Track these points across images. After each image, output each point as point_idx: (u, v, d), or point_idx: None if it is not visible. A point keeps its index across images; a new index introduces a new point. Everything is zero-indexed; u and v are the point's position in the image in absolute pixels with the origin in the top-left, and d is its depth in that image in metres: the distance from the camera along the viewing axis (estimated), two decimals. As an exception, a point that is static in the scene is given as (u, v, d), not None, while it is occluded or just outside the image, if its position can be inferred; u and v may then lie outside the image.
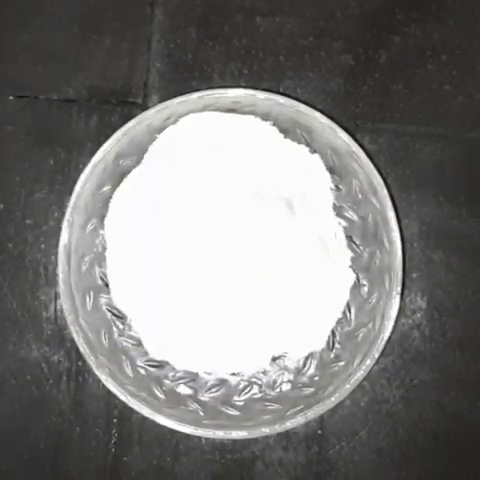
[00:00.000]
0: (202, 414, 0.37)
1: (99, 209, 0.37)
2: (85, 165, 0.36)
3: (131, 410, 0.36)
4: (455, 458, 0.40)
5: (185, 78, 0.41)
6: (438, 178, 0.41)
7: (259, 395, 0.38)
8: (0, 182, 0.41)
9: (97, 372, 0.35)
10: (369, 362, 0.35)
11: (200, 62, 0.41)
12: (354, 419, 0.40)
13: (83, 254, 0.37)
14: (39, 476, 0.39)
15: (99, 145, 0.36)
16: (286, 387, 0.38)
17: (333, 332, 0.38)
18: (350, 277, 0.38)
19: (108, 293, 0.38)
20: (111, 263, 0.38)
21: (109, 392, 0.35)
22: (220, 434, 0.35)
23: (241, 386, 0.38)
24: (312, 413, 0.35)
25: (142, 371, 0.37)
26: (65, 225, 0.35)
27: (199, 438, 0.39)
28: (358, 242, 0.39)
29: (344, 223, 0.39)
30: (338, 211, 0.39)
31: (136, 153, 0.37)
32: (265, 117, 0.37)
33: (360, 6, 0.41)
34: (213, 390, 0.38)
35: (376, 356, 0.35)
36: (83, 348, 0.35)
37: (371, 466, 0.40)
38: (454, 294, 0.40)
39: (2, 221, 0.41)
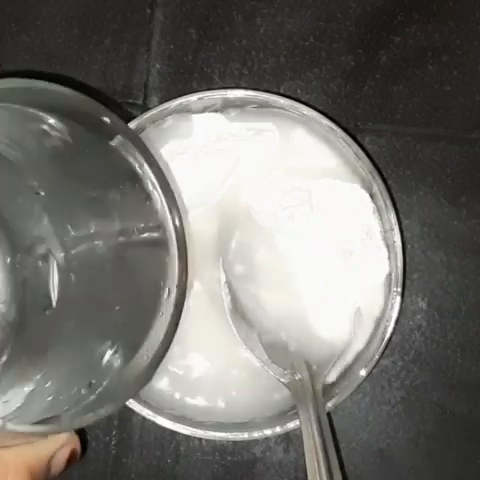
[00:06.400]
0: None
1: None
2: (85, 167, 0.36)
3: (131, 411, 0.36)
4: (456, 460, 0.40)
5: (185, 79, 0.41)
6: (439, 179, 0.41)
7: (260, 397, 0.37)
8: (0, 183, 0.41)
9: (97, 374, 0.35)
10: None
11: (200, 63, 0.41)
12: (354, 420, 0.40)
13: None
14: (39, 477, 0.39)
15: (99, 146, 0.36)
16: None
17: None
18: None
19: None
20: None
21: (109, 393, 0.35)
22: (221, 435, 0.35)
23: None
24: (313, 415, 0.35)
25: (142, 372, 0.37)
26: (66, 227, 0.35)
27: (199, 440, 0.39)
28: (358, 243, 0.39)
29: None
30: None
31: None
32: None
33: (361, 7, 0.41)
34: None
35: (376, 357, 0.35)
36: (84, 349, 0.35)
37: (371, 468, 0.40)
38: (455, 295, 0.40)
39: (2, 222, 0.40)
